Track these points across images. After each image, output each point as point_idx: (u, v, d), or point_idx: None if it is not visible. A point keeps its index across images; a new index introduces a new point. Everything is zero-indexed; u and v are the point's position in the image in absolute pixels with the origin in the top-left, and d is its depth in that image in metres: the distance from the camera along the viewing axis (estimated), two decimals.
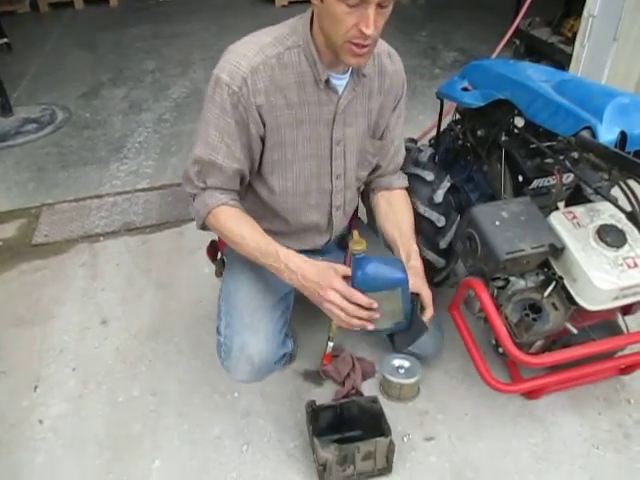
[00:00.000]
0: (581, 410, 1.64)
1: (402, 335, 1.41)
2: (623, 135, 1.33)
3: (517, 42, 4.19)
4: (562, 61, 3.71)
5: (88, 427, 1.62)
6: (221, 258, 1.72)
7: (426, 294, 1.38)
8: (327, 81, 1.31)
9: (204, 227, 1.40)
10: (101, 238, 2.42)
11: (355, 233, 1.27)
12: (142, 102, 3.65)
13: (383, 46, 1.43)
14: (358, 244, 1.24)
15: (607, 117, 1.33)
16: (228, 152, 1.31)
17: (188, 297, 2.05)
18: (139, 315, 2.00)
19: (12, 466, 1.54)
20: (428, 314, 1.38)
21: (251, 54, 1.26)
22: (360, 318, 1.24)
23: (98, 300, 2.09)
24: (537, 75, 1.62)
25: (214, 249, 1.75)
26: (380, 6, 1.13)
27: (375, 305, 1.24)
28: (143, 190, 2.73)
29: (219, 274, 1.69)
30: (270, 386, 1.69)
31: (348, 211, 1.61)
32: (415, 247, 1.49)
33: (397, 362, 1.64)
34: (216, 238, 1.72)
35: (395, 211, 1.58)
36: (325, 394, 1.66)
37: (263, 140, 1.35)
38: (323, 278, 1.24)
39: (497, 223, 1.44)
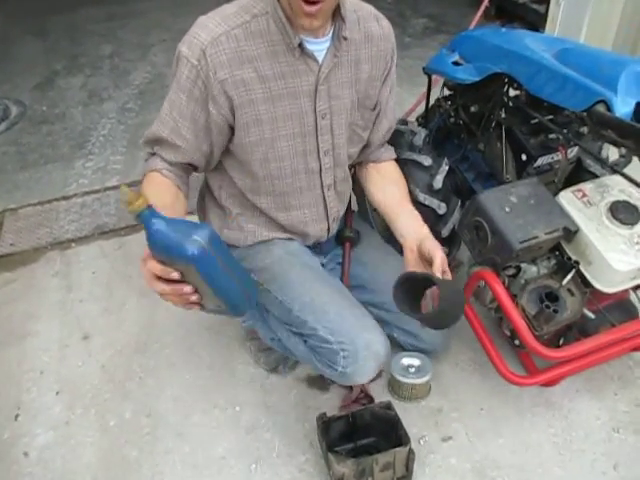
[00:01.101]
0: (597, 393, 1.59)
1: (432, 318, 1.20)
2: (638, 106, 1.24)
3: (488, 4, 4.07)
4: (536, 22, 3.63)
5: (79, 456, 1.50)
6: None
7: (439, 259, 1.23)
8: (301, 47, 1.19)
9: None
10: (73, 244, 2.26)
11: (123, 189, 0.87)
12: (102, 91, 3.43)
13: (369, 9, 1.33)
14: (133, 201, 0.87)
15: (622, 88, 1.24)
16: (174, 128, 1.23)
17: None
18: (123, 327, 1.86)
19: None
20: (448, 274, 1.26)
21: (212, 25, 1.16)
22: (168, 294, 0.96)
23: (77, 313, 1.94)
24: (535, 44, 1.52)
25: None
26: None
27: (174, 275, 0.93)
28: (114, 188, 2.55)
29: None
30: (273, 396, 1.59)
31: (340, 191, 1.48)
32: (410, 207, 1.41)
33: (406, 361, 1.55)
34: None
35: (384, 177, 1.50)
36: (332, 400, 1.57)
37: (231, 120, 1.23)
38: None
39: (507, 209, 1.35)
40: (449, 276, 1.25)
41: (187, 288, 0.94)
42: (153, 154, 1.28)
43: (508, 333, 1.50)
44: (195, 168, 1.33)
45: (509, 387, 1.52)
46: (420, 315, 1.22)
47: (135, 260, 2.14)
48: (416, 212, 1.41)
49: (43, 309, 1.97)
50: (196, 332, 1.80)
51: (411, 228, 1.36)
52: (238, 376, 1.67)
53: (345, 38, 1.23)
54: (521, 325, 1.30)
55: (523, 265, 1.42)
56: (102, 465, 1.48)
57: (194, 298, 0.96)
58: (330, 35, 1.23)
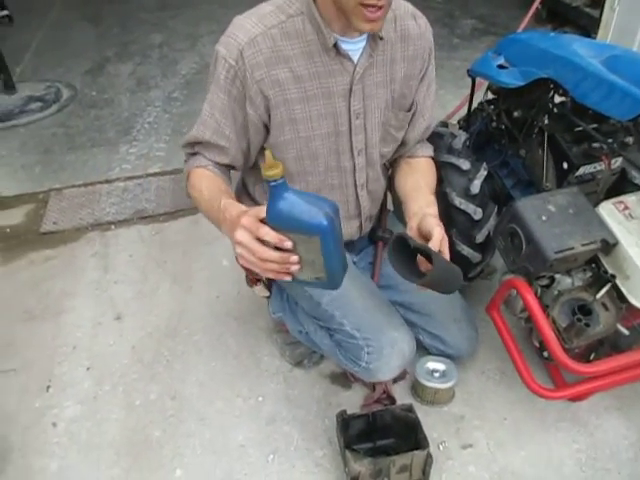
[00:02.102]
0: (627, 411, 1.54)
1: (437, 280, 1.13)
2: None
3: (539, 7, 3.98)
4: (588, 26, 3.53)
5: (104, 432, 1.55)
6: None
7: (437, 234, 1.15)
8: (336, 47, 1.18)
9: (189, 194, 1.30)
10: (112, 226, 2.32)
11: (267, 154, 0.93)
12: (150, 79, 3.50)
13: (407, 7, 1.29)
14: (271, 168, 0.92)
15: None
16: (217, 129, 1.24)
17: (206, 292, 1.95)
18: (155, 311, 1.90)
19: (25, 472, 1.47)
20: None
21: (249, 25, 1.17)
22: (273, 262, 0.97)
23: (111, 294, 2.00)
24: (584, 50, 1.48)
25: None
26: None
27: (288, 244, 0.95)
28: (155, 175, 2.61)
29: (254, 282, 1.58)
30: (296, 390, 1.61)
31: (372, 191, 1.47)
32: (432, 197, 1.30)
33: (431, 365, 1.54)
34: None
35: (412, 167, 1.44)
36: (354, 398, 1.57)
37: (266, 119, 1.24)
38: (238, 217, 1.00)
39: (544, 218, 1.32)
40: (446, 257, 1.17)
41: (294, 257, 0.97)
42: (193, 154, 1.30)
43: (537, 344, 1.47)
44: (233, 168, 1.34)
45: (535, 399, 1.48)
46: (410, 278, 1.14)
47: (171, 246, 2.18)
48: (433, 198, 1.31)
49: (80, 287, 2.03)
50: (225, 321, 1.83)
51: (417, 207, 1.27)
52: (263, 367, 1.69)
53: (381, 38, 1.22)
54: (551, 337, 1.28)
55: (557, 276, 1.39)
56: (125, 442, 1.52)
57: (295, 268, 0.98)
58: (366, 34, 1.21)
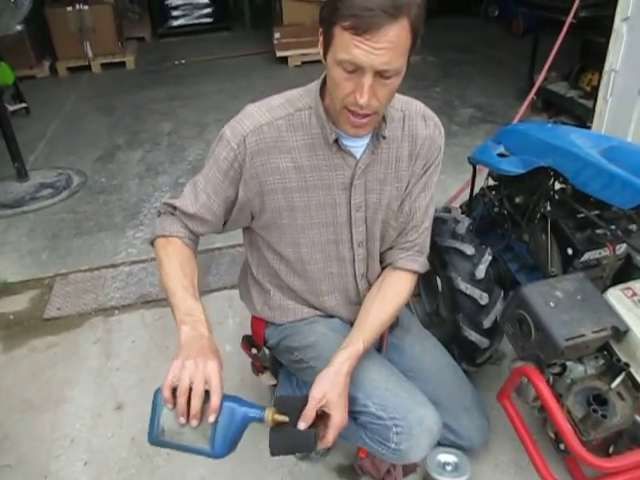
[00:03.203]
0: None
1: (282, 437, 1.13)
2: None
3: (534, 97, 4.16)
4: (583, 116, 3.66)
5: None
6: (262, 352, 1.57)
7: (335, 417, 1.16)
8: (337, 142, 1.22)
9: (152, 244, 1.32)
10: (116, 311, 2.31)
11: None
12: (158, 165, 3.61)
13: (418, 108, 1.32)
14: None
15: None
16: (206, 203, 1.27)
17: None
18: None
19: None
20: (326, 438, 1.17)
21: (258, 114, 1.22)
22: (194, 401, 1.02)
23: (113, 381, 1.95)
24: (581, 141, 1.53)
25: (249, 344, 1.59)
26: (381, 76, 1.05)
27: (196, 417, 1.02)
28: None
29: (260, 370, 1.56)
30: None
31: (373, 280, 1.45)
32: (360, 346, 1.25)
33: (443, 457, 1.48)
34: (250, 332, 1.57)
35: (380, 295, 1.36)
36: None
37: (255, 204, 1.27)
38: (206, 350, 1.08)
39: (552, 304, 1.31)
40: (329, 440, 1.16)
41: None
42: (172, 214, 1.31)
43: (552, 436, 1.41)
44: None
45: None
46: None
47: (173, 331, 2.11)
48: (364, 336, 1.28)
49: (81, 376, 1.99)
50: None
51: (343, 350, 1.24)
52: (266, 460, 1.62)
53: (384, 137, 1.25)
54: (567, 430, 1.23)
55: (569, 363, 1.36)
56: None
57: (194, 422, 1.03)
58: (370, 134, 1.24)
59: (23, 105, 4.47)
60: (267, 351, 1.57)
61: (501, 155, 1.71)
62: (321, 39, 1.11)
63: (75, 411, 1.84)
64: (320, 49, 1.13)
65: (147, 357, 2.04)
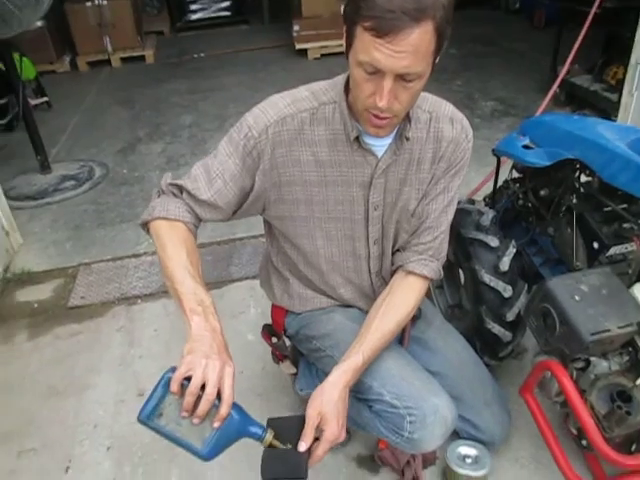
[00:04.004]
0: None
1: (274, 461, 1.12)
2: None
3: (557, 90, 4.10)
4: (607, 109, 3.60)
5: None
6: (282, 341, 1.58)
7: (326, 432, 1.14)
8: (358, 140, 1.20)
9: (145, 225, 1.24)
10: (139, 300, 2.34)
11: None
12: (179, 157, 3.63)
13: (446, 110, 1.27)
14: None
15: None
16: (221, 191, 1.21)
17: None
18: None
19: None
20: (315, 453, 1.13)
21: (282, 105, 1.20)
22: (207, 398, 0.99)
23: (135, 369, 1.98)
24: (609, 132, 1.51)
25: (269, 333, 1.60)
26: (403, 79, 1.02)
27: (205, 408, 0.99)
28: None
29: (280, 358, 1.57)
30: (321, 474, 1.54)
31: (387, 277, 1.44)
32: (359, 359, 1.22)
33: (463, 450, 1.48)
34: (270, 322, 1.58)
35: (386, 303, 1.31)
36: None
37: (269, 195, 1.25)
38: (221, 350, 1.04)
39: (577, 298, 1.30)
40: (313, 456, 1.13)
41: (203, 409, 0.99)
42: (176, 196, 1.24)
43: (575, 432, 1.40)
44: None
45: None
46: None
47: None
48: (365, 349, 1.24)
49: (104, 363, 2.02)
50: (249, 398, 1.78)
51: (342, 364, 1.22)
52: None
53: (407, 139, 1.22)
54: (590, 425, 1.22)
55: (593, 359, 1.35)
56: None
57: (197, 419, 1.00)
58: (393, 133, 1.21)
59: (45, 99, 4.52)
60: (287, 340, 1.58)
61: (526, 147, 1.69)
62: (344, 36, 1.08)
63: (98, 397, 1.88)
64: (344, 45, 1.10)
65: (169, 345, 2.07)
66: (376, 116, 1.09)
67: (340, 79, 1.22)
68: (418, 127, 1.24)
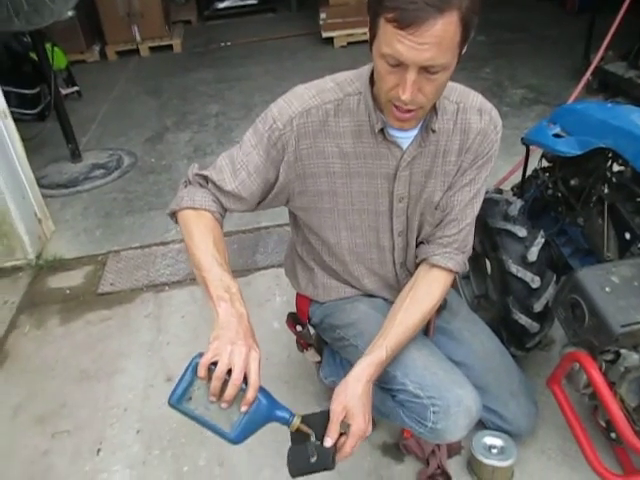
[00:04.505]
0: None
1: (301, 455, 1.13)
2: None
3: (589, 77, 4.00)
4: None
5: None
6: (306, 329, 1.60)
7: (353, 427, 1.14)
8: (383, 132, 1.19)
9: (173, 215, 1.26)
10: (166, 287, 2.37)
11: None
12: (206, 146, 3.66)
13: (474, 101, 1.24)
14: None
15: None
16: (245, 182, 1.22)
17: None
18: None
19: None
20: (343, 448, 1.14)
21: (307, 96, 1.20)
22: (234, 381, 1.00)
23: (163, 355, 2.02)
24: None
25: (294, 321, 1.61)
26: (427, 71, 1.00)
27: (231, 393, 1.01)
28: None
29: (305, 347, 1.58)
30: (346, 462, 1.54)
31: (412, 269, 1.43)
32: (382, 353, 1.22)
33: (489, 440, 1.47)
34: (295, 310, 1.60)
35: (410, 296, 1.31)
36: (406, 473, 1.51)
37: (293, 187, 1.25)
38: (248, 335, 1.06)
39: (607, 289, 1.27)
40: (348, 451, 1.14)
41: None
42: (202, 186, 1.25)
43: (603, 424, 1.39)
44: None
45: None
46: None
47: None
48: (388, 343, 1.23)
49: (133, 348, 2.07)
50: (274, 385, 1.78)
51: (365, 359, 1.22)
52: None
53: (433, 131, 1.20)
54: (620, 418, 1.20)
55: (623, 351, 1.32)
56: None
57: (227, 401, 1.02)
58: (419, 125, 1.19)
59: (75, 89, 4.59)
60: (311, 328, 1.59)
61: (557, 136, 1.66)
62: (368, 27, 1.06)
63: (128, 382, 1.92)
64: (368, 36, 1.09)
65: (196, 332, 2.10)
66: (399, 108, 1.08)
67: (366, 69, 1.21)
68: (445, 118, 1.22)
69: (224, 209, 1.27)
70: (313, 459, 1.11)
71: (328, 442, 1.11)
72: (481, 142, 1.25)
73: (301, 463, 1.13)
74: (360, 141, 1.21)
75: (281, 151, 1.20)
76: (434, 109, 1.18)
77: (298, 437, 1.12)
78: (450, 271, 1.33)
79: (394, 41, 0.97)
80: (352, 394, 1.17)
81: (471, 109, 1.24)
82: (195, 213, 1.22)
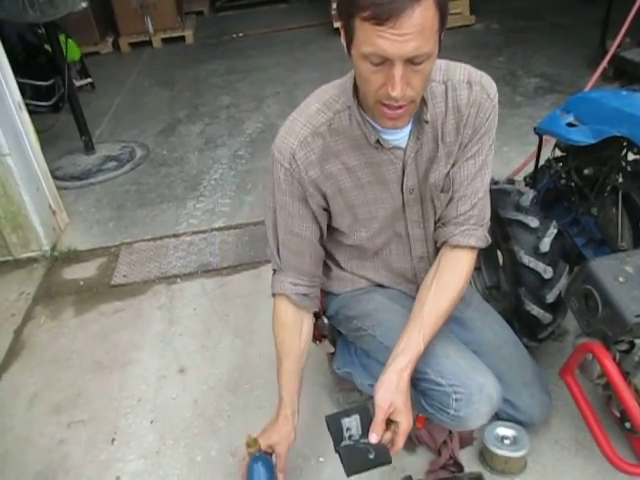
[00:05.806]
0: None
1: (355, 455, 1.16)
2: None
3: (605, 65, 3.94)
4: None
5: None
6: (321, 320, 1.59)
7: (404, 424, 1.18)
8: (379, 142, 1.19)
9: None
10: (178, 280, 2.39)
11: (248, 436, 1.32)
12: (217, 138, 3.66)
13: (462, 75, 1.21)
14: (251, 445, 1.31)
15: None
16: (286, 229, 1.31)
17: (267, 347, 1.92)
18: (217, 364, 1.92)
19: None
20: (397, 445, 1.18)
21: (298, 127, 1.21)
22: None
23: (176, 346, 2.03)
24: None
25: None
26: (412, 63, 0.99)
27: None
28: (219, 229, 2.69)
29: (319, 338, 1.59)
30: None
31: (432, 262, 1.42)
32: (420, 347, 1.22)
33: (501, 430, 1.47)
34: None
35: (436, 282, 1.29)
36: (419, 463, 1.51)
37: (327, 206, 1.29)
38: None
39: (621, 279, 1.26)
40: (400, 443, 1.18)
41: None
42: (279, 268, 1.38)
43: (618, 414, 1.37)
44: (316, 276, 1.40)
45: (616, 474, 1.38)
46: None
47: (233, 300, 2.22)
48: (417, 337, 1.24)
49: (146, 339, 2.08)
50: None
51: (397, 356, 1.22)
52: (324, 426, 1.64)
53: (426, 122, 1.19)
54: (634, 408, 1.20)
55: (637, 341, 1.31)
56: None
57: None
58: (411, 120, 1.18)
59: (89, 80, 4.61)
60: (325, 320, 1.59)
61: (570, 125, 1.64)
62: (342, 33, 1.06)
63: (141, 373, 1.94)
64: (343, 43, 1.08)
65: (208, 324, 2.11)
66: (390, 107, 1.06)
67: (347, 82, 1.20)
68: (435, 103, 1.21)
69: (304, 281, 1.36)
70: (371, 455, 1.12)
71: (374, 438, 1.13)
72: (476, 114, 1.23)
73: (359, 460, 1.14)
74: (361, 153, 1.23)
75: (300, 187, 1.24)
76: (423, 100, 1.16)
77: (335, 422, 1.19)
78: (472, 248, 1.31)
79: (374, 38, 0.96)
80: (398, 390, 1.18)
81: (460, 84, 1.21)
82: (276, 300, 1.40)
